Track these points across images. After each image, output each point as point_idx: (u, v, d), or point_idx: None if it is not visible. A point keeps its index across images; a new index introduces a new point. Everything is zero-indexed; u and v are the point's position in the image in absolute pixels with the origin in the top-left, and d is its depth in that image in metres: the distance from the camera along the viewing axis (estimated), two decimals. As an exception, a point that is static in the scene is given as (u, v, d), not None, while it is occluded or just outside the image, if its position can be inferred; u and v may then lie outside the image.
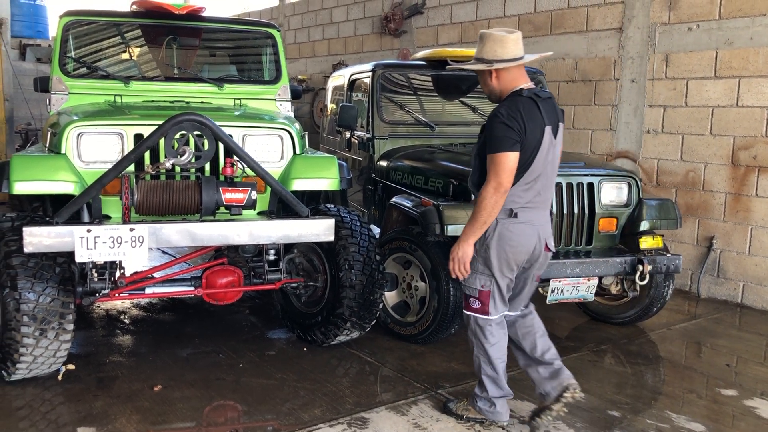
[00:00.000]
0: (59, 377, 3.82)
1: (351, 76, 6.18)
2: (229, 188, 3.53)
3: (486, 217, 3.09)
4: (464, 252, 3.17)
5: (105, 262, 3.60)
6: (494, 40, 3.15)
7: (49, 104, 4.57)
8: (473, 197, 3.34)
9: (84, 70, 4.72)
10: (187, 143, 3.53)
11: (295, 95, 5.26)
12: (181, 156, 3.46)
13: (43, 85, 4.71)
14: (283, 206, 3.99)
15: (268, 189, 3.88)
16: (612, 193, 4.65)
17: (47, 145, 3.97)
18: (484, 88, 3.29)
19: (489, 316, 3.29)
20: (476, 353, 3.37)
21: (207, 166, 3.81)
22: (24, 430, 3.23)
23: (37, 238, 3.22)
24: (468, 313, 3.35)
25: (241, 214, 3.61)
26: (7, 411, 3.44)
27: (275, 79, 5.10)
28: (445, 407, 3.56)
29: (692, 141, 6.06)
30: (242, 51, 5.54)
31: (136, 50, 5.11)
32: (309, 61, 11.50)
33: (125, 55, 5.07)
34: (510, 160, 3.04)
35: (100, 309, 5.17)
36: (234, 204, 3.54)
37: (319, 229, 3.69)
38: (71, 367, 3.94)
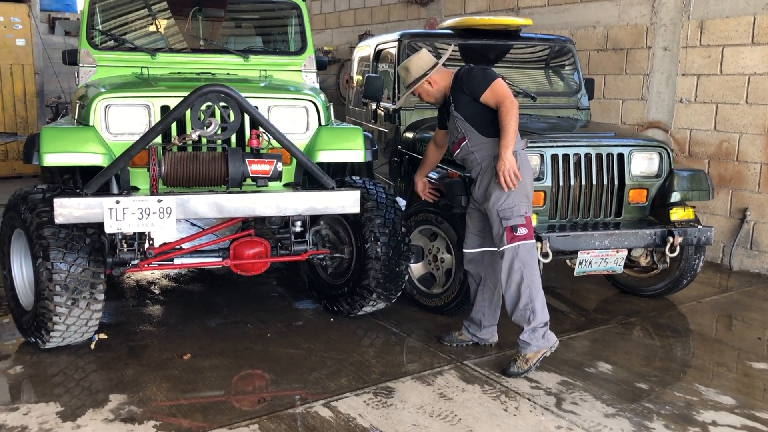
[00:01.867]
0: (92, 346, 3.91)
1: (377, 46, 6.12)
2: (255, 160, 3.53)
3: (516, 126, 3.52)
4: (510, 161, 3.51)
5: (134, 234, 3.64)
6: (415, 61, 3.81)
7: (78, 77, 4.61)
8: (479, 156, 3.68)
9: (111, 42, 4.74)
10: (213, 115, 3.54)
11: (321, 66, 5.23)
12: (207, 127, 3.47)
13: (71, 58, 4.73)
14: (308, 178, 3.99)
15: (294, 161, 3.88)
16: (642, 164, 4.56)
17: (75, 118, 4.01)
18: (428, 98, 3.87)
19: (534, 240, 3.62)
20: (526, 284, 3.57)
21: (233, 138, 3.81)
22: (59, 396, 3.31)
23: (68, 210, 3.26)
24: (515, 244, 3.56)
25: (267, 186, 3.62)
26: (42, 378, 3.53)
27: (300, 50, 5.07)
28: (507, 373, 3.63)
29: (727, 110, 5.91)
30: (267, 22, 5.51)
31: (163, 22, 5.11)
32: (335, 32, 11.42)
33: (152, 28, 5.08)
34: (504, 82, 3.60)
35: (131, 279, 5.26)
36: (260, 176, 3.55)
37: (345, 201, 3.68)
38: (103, 336, 4.03)
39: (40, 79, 9.93)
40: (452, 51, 3.95)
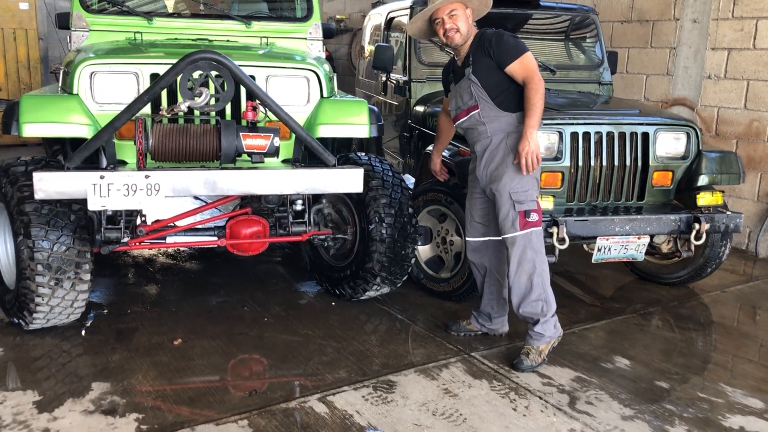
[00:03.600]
0: (88, 324, 3.70)
1: (388, 14, 5.81)
2: (250, 134, 3.26)
3: (542, 106, 3.26)
4: (535, 143, 3.24)
5: (122, 210, 3.42)
6: None
7: (70, 42, 4.34)
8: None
9: (105, 5, 4.46)
10: (205, 84, 3.27)
11: (328, 34, 4.92)
12: (198, 98, 3.20)
13: (63, 21, 4.47)
14: (309, 154, 3.73)
15: (293, 135, 3.61)
16: (669, 144, 4.25)
17: (60, 85, 3.76)
18: (454, 36, 3.37)
19: (541, 227, 3.39)
20: (538, 273, 3.35)
21: (228, 110, 3.55)
22: (39, 383, 3.12)
23: (48, 184, 3.03)
24: (529, 230, 3.33)
25: (263, 162, 3.36)
26: (24, 361, 3.34)
27: (306, 17, 4.76)
28: (519, 368, 3.39)
29: (759, 87, 5.55)
30: (273, -14, 5.21)
31: (160, -16, 4.82)
32: (347, 0, 11.05)
33: (149, -10, 4.79)
34: (532, 57, 3.32)
35: (126, 256, 5.05)
36: (255, 151, 3.28)
37: (347, 180, 3.42)
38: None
39: (45, 44, 9.69)
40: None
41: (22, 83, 9.40)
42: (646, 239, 4.01)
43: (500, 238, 3.44)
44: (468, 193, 3.64)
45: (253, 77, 3.50)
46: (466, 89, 3.42)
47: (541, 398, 3.14)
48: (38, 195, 3.03)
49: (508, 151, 3.34)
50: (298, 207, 3.81)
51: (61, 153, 4.24)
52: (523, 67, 3.28)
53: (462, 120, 3.48)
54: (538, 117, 3.26)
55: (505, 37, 3.34)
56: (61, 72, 3.79)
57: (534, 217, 3.33)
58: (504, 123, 3.37)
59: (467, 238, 3.67)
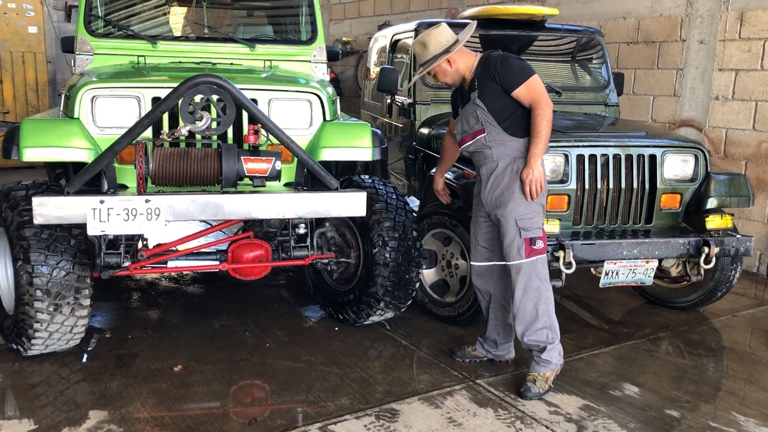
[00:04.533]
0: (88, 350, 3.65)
1: (393, 36, 5.80)
2: (252, 158, 3.23)
3: (549, 132, 3.22)
4: (539, 171, 3.23)
5: (126, 234, 3.38)
6: (434, 36, 3.32)
7: (74, 65, 4.35)
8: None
9: (110, 29, 4.47)
10: (206, 108, 3.25)
11: (332, 57, 4.92)
12: (199, 121, 3.18)
13: (68, 45, 4.48)
14: (312, 178, 3.69)
15: (296, 158, 3.57)
16: (676, 167, 4.19)
17: (62, 109, 3.74)
18: (445, 79, 3.41)
19: (546, 254, 3.35)
20: (543, 300, 3.30)
21: (230, 133, 3.53)
22: (35, 411, 3.06)
23: (47, 209, 3.00)
24: (534, 258, 3.29)
25: (264, 186, 3.33)
26: (22, 389, 3.29)
27: (310, 40, 4.76)
28: (526, 396, 3.31)
29: (767, 108, 5.50)
30: (277, 10, 5.22)
31: (165, 8, 4.82)
32: (354, 22, 11.10)
33: (153, 14, 4.80)
34: (539, 80, 3.26)
35: (129, 280, 5.01)
36: (257, 175, 3.25)
37: (350, 204, 3.38)
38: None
39: (53, 67, 9.76)
40: (473, 29, 3.50)
41: (30, 106, 9.46)
42: (655, 263, 3.94)
43: (505, 263, 3.38)
44: (473, 216, 3.58)
45: (255, 101, 3.48)
46: (472, 113, 3.37)
47: (547, 427, 3.06)
48: (37, 220, 3.01)
49: (515, 176, 3.29)
50: (301, 231, 3.76)
51: (63, 177, 4.22)
52: (530, 91, 3.23)
53: (468, 144, 3.42)
54: (544, 144, 3.22)
55: (510, 61, 3.28)
56: (63, 96, 3.78)
57: (539, 244, 3.28)
58: (511, 148, 3.31)
59: (472, 263, 3.61)
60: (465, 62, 3.38)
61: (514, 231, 3.27)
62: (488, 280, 3.55)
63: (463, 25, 5.26)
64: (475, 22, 3.64)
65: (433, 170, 4.11)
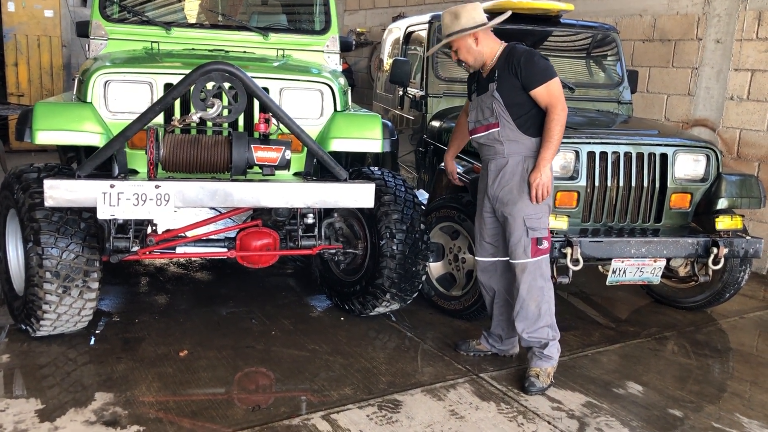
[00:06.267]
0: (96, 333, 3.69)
1: (407, 28, 5.79)
2: (262, 146, 3.25)
3: (560, 139, 3.21)
4: (547, 176, 3.21)
5: (135, 219, 3.41)
6: (468, 10, 3.27)
7: (88, 50, 4.37)
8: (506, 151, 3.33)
9: (125, 14, 4.49)
10: (218, 95, 3.26)
11: (346, 47, 4.91)
12: (210, 109, 3.19)
13: (82, 29, 4.50)
14: (321, 168, 3.70)
15: (305, 148, 3.58)
16: (688, 166, 4.17)
17: (75, 93, 3.77)
18: (467, 57, 3.34)
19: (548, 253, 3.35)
20: (546, 299, 3.33)
21: (241, 122, 3.54)
22: (42, 391, 3.10)
23: (58, 192, 3.03)
24: (539, 258, 3.30)
25: (273, 175, 3.34)
26: (29, 369, 3.33)
27: (324, 30, 4.76)
28: (529, 391, 3.31)
29: (782, 110, 5.45)
30: (291, 0, 5.21)
31: (180, -5, 4.84)
32: (369, 13, 11.06)
33: (168, 0, 4.81)
34: (560, 84, 3.24)
35: (138, 265, 5.04)
36: (266, 163, 3.26)
37: (358, 195, 3.39)
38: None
39: (68, 51, 9.80)
40: (506, 17, 3.45)
41: (44, 89, 9.51)
42: (662, 262, 3.92)
43: (509, 260, 3.38)
44: (477, 211, 3.56)
45: (266, 89, 3.49)
46: (488, 105, 3.32)
47: (549, 423, 3.07)
48: (48, 202, 3.03)
49: (525, 175, 3.27)
50: (309, 220, 3.78)
51: (75, 160, 4.25)
52: (549, 93, 3.19)
53: (479, 135, 3.39)
54: (555, 149, 3.20)
55: (535, 59, 3.23)
56: (76, 80, 3.80)
57: (545, 244, 3.29)
58: (523, 146, 3.29)
59: (476, 258, 3.61)
60: (490, 47, 3.33)
61: (521, 230, 3.26)
62: (492, 276, 3.55)
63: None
64: (510, 12, 3.55)
65: (442, 166, 4.09)
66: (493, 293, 3.58)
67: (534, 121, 3.27)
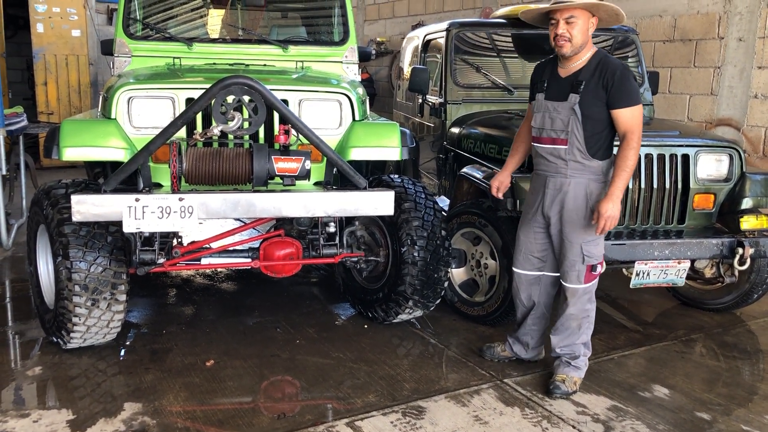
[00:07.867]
0: (125, 345, 3.76)
1: (426, 36, 5.83)
2: (282, 157, 3.30)
3: (633, 167, 3.08)
4: (617, 210, 3.06)
5: (161, 232, 3.47)
6: None
7: (113, 67, 4.48)
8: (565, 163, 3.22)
9: (148, 32, 4.59)
10: (238, 108, 3.32)
11: (364, 57, 4.97)
12: (231, 122, 3.25)
13: (107, 47, 4.61)
14: (341, 177, 3.74)
15: (325, 158, 3.63)
16: (710, 166, 4.14)
17: (100, 110, 3.86)
18: (572, 30, 3.07)
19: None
20: (588, 319, 3.35)
21: (261, 133, 3.60)
22: (73, 402, 3.17)
23: (85, 207, 3.10)
24: (592, 283, 3.29)
25: (294, 185, 3.39)
26: (61, 380, 3.41)
27: (342, 41, 4.81)
28: (554, 394, 3.30)
29: (808, 107, 5.38)
30: (310, 12, 5.28)
31: (201, 11, 4.93)
32: (388, 23, 11.14)
33: (190, 17, 4.91)
34: (642, 112, 3.11)
35: (165, 276, 5.13)
36: (287, 174, 3.32)
37: (378, 202, 3.42)
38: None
39: (95, 69, 10.00)
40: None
41: (73, 107, 9.72)
42: (687, 264, 3.89)
43: (557, 276, 3.37)
44: (525, 224, 3.44)
45: (285, 101, 3.54)
46: (561, 117, 3.14)
47: (574, 427, 3.06)
48: (75, 217, 3.11)
49: (588, 201, 3.17)
50: (331, 229, 3.81)
51: (102, 176, 4.35)
52: (632, 117, 3.06)
53: (543, 146, 3.25)
54: (629, 179, 3.08)
55: (631, 78, 3.08)
56: (101, 97, 3.90)
57: (598, 269, 3.27)
58: (587, 170, 3.17)
59: (518, 270, 3.50)
60: (588, 44, 3.14)
61: (577, 256, 3.21)
62: (534, 289, 3.49)
63: (497, 25, 5.29)
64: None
65: (465, 169, 4.08)
66: (532, 305, 3.51)
67: (603, 144, 3.15)
